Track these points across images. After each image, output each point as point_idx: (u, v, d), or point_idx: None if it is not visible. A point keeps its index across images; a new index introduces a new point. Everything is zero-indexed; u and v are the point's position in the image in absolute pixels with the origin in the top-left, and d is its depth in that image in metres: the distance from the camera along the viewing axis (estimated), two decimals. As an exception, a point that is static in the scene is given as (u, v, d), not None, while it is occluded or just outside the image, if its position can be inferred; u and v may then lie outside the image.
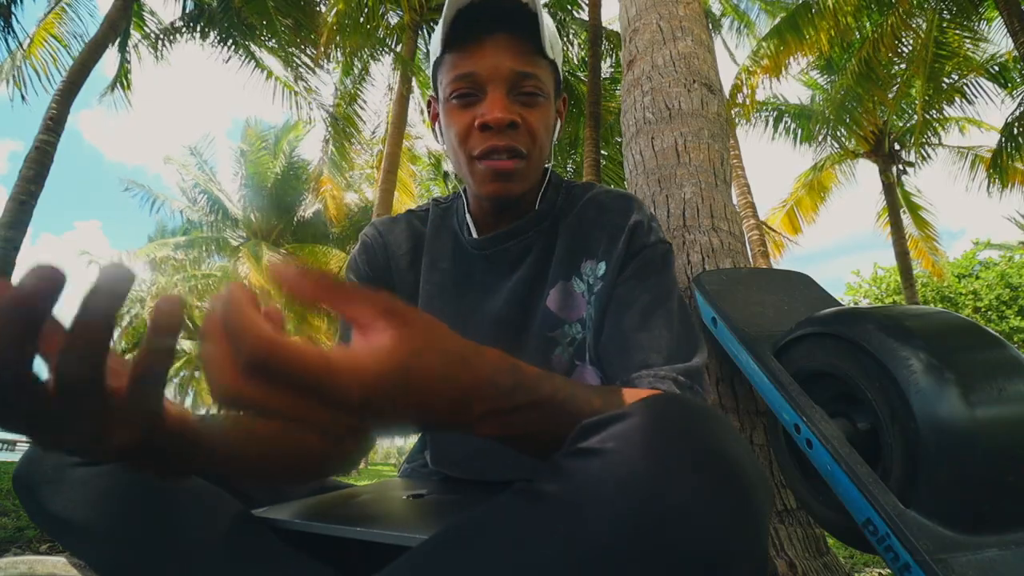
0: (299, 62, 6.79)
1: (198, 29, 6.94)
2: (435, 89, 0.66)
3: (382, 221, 0.76)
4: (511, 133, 0.59)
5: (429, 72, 0.68)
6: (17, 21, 5.93)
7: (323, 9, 6.90)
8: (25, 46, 6.17)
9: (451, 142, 0.63)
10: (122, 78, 7.38)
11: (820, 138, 8.24)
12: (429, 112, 0.70)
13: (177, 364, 20.29)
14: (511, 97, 0.59)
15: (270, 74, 7.55)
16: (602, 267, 0.65)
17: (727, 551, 0.30)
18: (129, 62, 7.26)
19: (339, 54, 7.55)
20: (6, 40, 5.97)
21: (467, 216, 0.71)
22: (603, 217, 0.67)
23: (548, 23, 0.61)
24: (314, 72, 6.93)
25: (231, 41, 6.94)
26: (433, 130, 0.70)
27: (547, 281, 0.67)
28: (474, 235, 0.69)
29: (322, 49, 6.51)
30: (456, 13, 0.58)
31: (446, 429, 0.35)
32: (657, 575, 0.29)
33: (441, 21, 0.60)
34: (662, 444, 0.32)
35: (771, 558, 1.20)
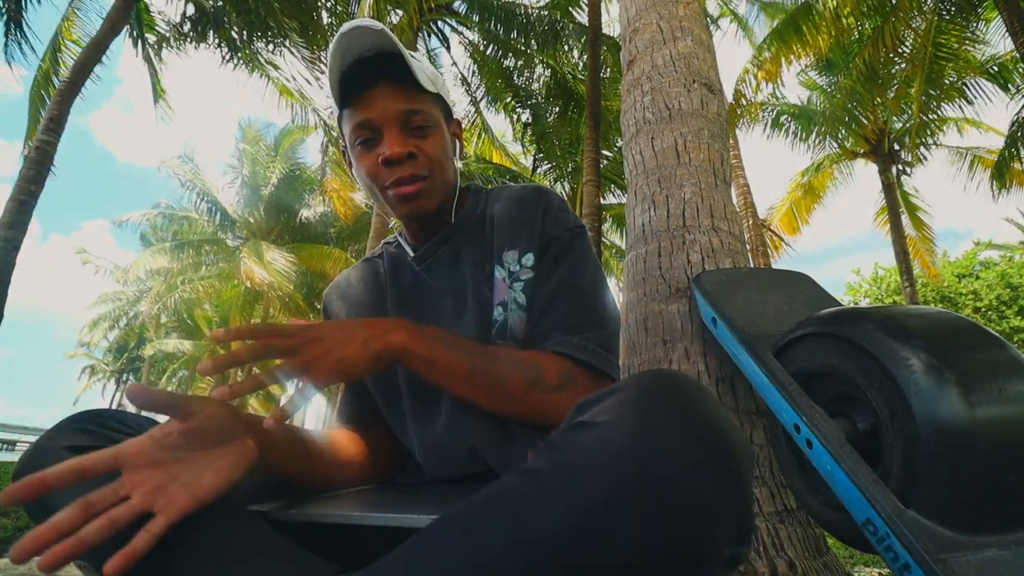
0: (301, 63, 6.81)
1: (200, 32, 6.94)
2: (342, 137, 0.76)
3: (336, 283, 0.88)
4: (411, 163, 0.68)
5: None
6: (28, 26, 5.96)
7: (325, 16, 6.92)
8: (51, 57, 6.23)
9: (363, 180, 0.72)
10: (157, 89, 7.39)
11: (821, 139, 8.25)
12: (344, 156, 0.80)
13: (175, 364, 20.28)
14: (405, 132, 0.69)
15: (269, 76, 7.56)
16: (529, 257, 0.72)
17: (713, 507, 0.34)
18: (157, 73, 7.27)
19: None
20: (19, 45, 6.00)
21: (404, 244, 0.80)
22: (521, 212, 0.75)
23: (424, 64, 0.72)
24: (316, 73, 6.95)
25: (231, 46, 6.95)
26: (348, 169, 0.79)
27: (482, 285, 0.74)
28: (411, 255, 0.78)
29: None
30: (341, 76, 0.68)
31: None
32: (650, 534, 0.33)
33: (329, 83, 0.70)
34: (652, 413, 0.36)
35: (771, 558, 1.20)
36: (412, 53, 0.71)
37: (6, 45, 6.00)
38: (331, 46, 0.66)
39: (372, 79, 0.68)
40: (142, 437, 0.47)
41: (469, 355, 0.61)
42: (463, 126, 0.83)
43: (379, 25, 0.64)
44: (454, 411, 0.69)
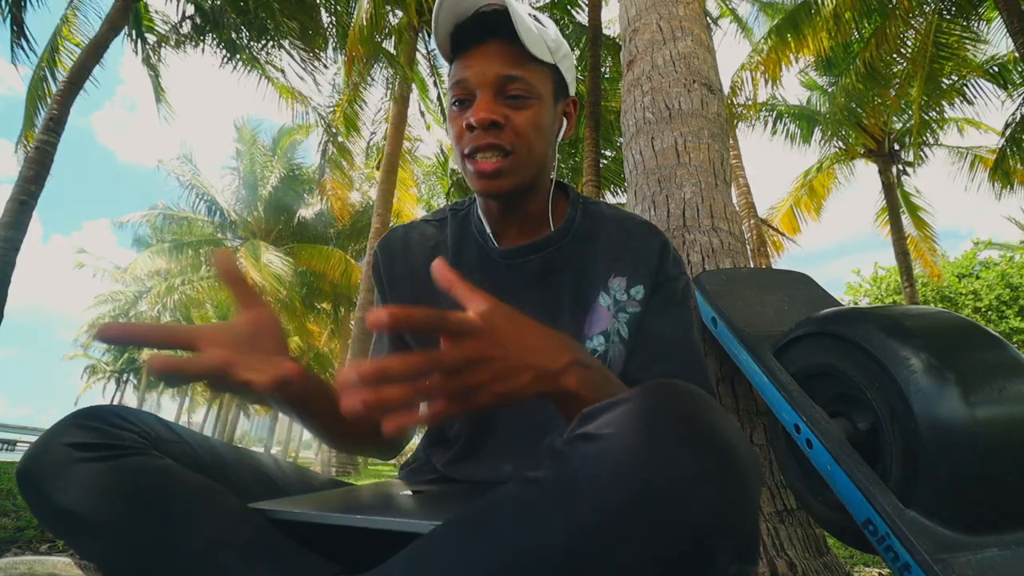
0: (300, 65, 6.83)
1: (199, 33, 6.94)
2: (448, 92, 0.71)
3: (391, 240, 0.78)
4: (495, 132, 0.62)
5: (425, 74, 0.70)
6: (27, 28, 5.97)
7: (324, 16, 6.92)
8: (49, 58, 6.25)
9: (452, 143, 0.68)
10: (158, 89, 7.39)
11: (827, 140, 8.25)
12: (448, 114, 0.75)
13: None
14: (499, 99, 0.63)
15: (268, 77, 7.56)
16: (639, 290, 0.69)
17: (719, 524, 0.33)
18: (158, 73, 7.27)
19: (339, 56, 7.57)
20: (21, 47, 6.01)
21: (483, 222, 0.73)
22: (633, 241, 0.71)
23: (547, 31, 0.65)
24: (314, 72, 6.96)
25: (230, 47, 6.95)
26: (447, 131, 0.74)
27: (576, 305, 0.70)
28: (495, 243, 0.72)
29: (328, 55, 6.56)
30: (454, 28, 0.64)
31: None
32: (652, 550, 0.32)
33: (435, 32, 0.64)
34: (657, 426, 0.34)
35: (771, 558, 1.20)
36: (538, 15, 0.66)
37: (12, 46, 6.01)
38: None
39: (481, 36, 0.63)
40: (216, 322, 0.50)
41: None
42: None
43: None
44: (499, 443, 0.68)
